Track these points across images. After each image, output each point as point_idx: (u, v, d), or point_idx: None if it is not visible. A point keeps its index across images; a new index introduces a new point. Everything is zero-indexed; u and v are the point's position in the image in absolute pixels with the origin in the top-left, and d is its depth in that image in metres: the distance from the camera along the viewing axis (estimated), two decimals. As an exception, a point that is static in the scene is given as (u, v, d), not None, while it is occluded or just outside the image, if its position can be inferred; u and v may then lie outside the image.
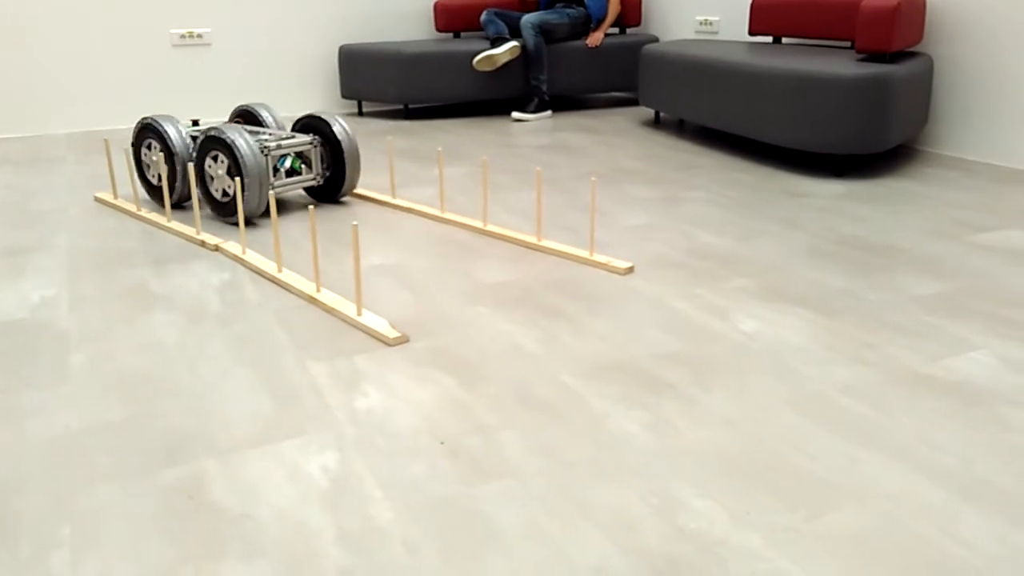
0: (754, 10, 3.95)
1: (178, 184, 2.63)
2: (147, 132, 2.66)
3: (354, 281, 1.95)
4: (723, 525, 1.11)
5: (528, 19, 4.39)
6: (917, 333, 1.72)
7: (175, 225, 2.48)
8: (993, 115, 3.22)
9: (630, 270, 2.10)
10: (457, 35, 4.86)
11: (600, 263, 2.13)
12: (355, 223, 1.68)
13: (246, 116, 2.89)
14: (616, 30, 4.84)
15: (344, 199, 2.84)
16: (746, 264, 2.15)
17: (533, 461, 1.27)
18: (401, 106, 4.82)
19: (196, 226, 2.38)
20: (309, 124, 2.74)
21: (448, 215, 2.57)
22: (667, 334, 1.73)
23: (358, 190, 2.88)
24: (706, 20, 4.55)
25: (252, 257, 2.18)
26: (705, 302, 1.90)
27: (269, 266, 2.12)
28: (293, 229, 2.49)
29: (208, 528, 1.12)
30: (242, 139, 2.40)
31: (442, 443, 1.32)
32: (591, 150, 3.62)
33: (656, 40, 4.72)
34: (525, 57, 4.43)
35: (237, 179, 2.18)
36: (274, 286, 2.02)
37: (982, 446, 1.30)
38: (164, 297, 1.96)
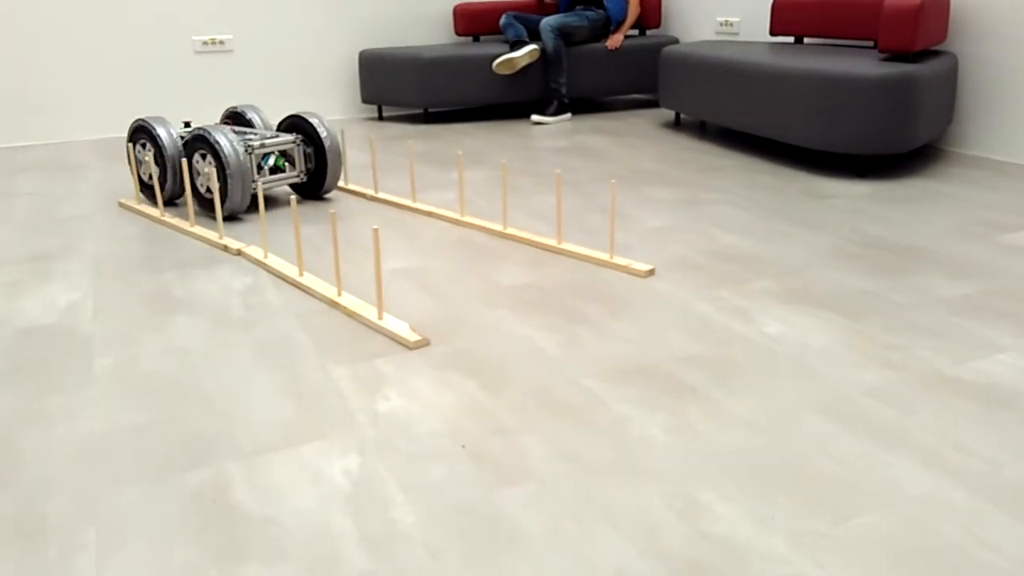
0: (775, 10, 3.92)
1: (168, 182, 2.74)
2: (140, 133, 2.78)
3: (375, 285, 1.95)
4: (747, 529, 1.10)
5: (547, 22, 4.39)
6: (944, 335, 1.70)
7: (198, 230, 2.50)
8: (1020, 114, 3.17)
9: (651, 272, 2.09)
10: (476, 39, 4.87)
11: (621, 266, 2.13)
12: (376, 227, 1.69)
13: (235, 117, 3.02)
14: (636, 32, 4.83)
15: (330, 197, 2.85)
16: (769, 266, 2.13)
17: (555, 465, 1.26)
18: (421, 110, 4.83)
19: (219, 231, 2.40)
20: (293, 124, 2.85)
21: (468, 218, 2.57)
22: (689, 337, 1.72)
23: (381, 194, 2.89)
24: (727, 21, 4.53)
25: (274, 261, 2.20)
26: (728, 304, 1.88)
27: (291, 270, 2.13)
28: (314, 233, 2.51)
29: (231, 531, 1.13)
30: (225, 139, 2.53)
31: (464, 447, 1.32)
32: (611, 152, 3.62)
33: (676, 42, 4.70)
34: (545, 60, 4.43)
35: (212, 171, 2.30)
36: (296, 290, 2.04)
37: (1010, 449, 1.27)
38: (187, 301, 1.98)
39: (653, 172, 3.22)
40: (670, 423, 1.38)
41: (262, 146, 2.67)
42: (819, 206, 2.68)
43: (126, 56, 4.29)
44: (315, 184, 2.86)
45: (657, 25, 4.82)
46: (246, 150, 2.61)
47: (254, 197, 2.71)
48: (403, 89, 4.43)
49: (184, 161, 2.43)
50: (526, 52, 4.31)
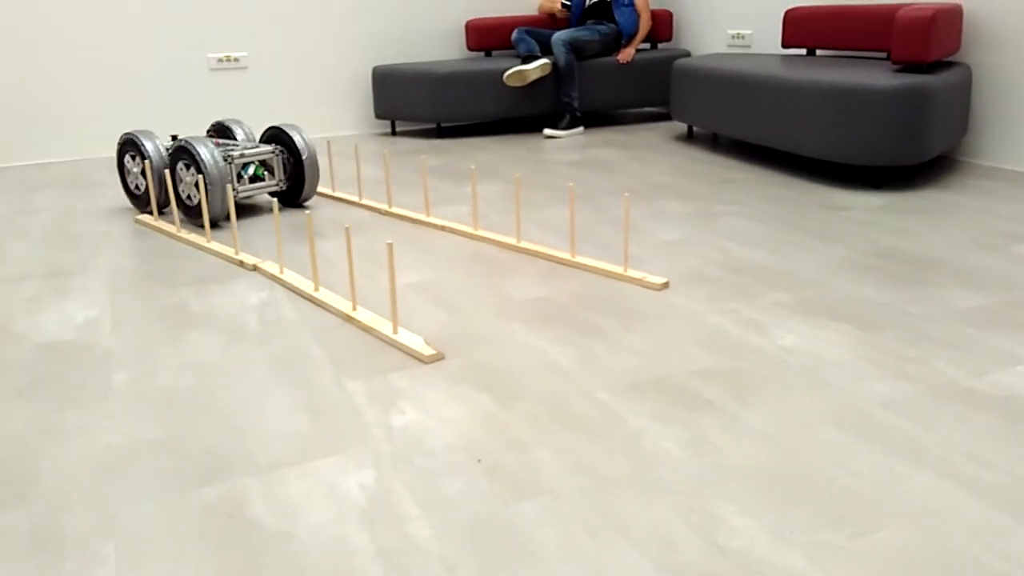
0: (787, 23, 3.93)
1: (155, 191, 2.87)
2: (128, 146, 2.95)
3: (390, 299, 1.96)
4: (764, 543, 1.10)
5: (559, 36, 4.41)
6: (960, 347, 1.68)
7: (214, 246, 2.52)
8: (1035, 124, 3.16)
9: (665, 285, 2.09)
10: (488, 54, 4.90)
11: (635, 279, 2.13)
12: (390, 242, 1.70)
13: (220, 130, 3.19)
14: (647, 45, 4.84)
15: (310, 204, 2.86)
16: (783, 278, 2.13)
17: (570, 478, 1.26)
18: (434, 125, 4.85)
19: (235, 246, 2.41)
20: (274, 135, 3.02)
21: (482, 232, 2.58)
22: (704, 350, 1.71)
23: (395, 208, 2.91)
24: (738, 34, 4.54)
25: (289, 276, 2.21)
26: (742, 317, 1.88)
27: (306, 285, 2.14)
28: (329, 248, 2.52)
29: (248, 546, 1.13)
30: (205, 149, 2.69)
31: (479, 461, 1.32)
32: (624, 166, 3.62)
33: (688, 55, 4.71)
34: (556, 74, 4.44)
35: (192, 179, 2.44)
36: (311, 305, 2.05)
37: (1031, 462, 1.26)
38: (204, 317, 1.99)
39: (666, 185, 3.22)
40: (685, 436, 1.37)
41: (241, 156, 2.84)
42: (833, 218, 2.67)
43: (143, 74, 4.34)
44: (294, 192, 3.03)
45: (668, 38, 4.83)
46: (225, 160, 2.78)
47: (237, 203, 2.82)
48: (416, 104, 4.46)
49: (167, 172, 2.59)
50: (537, 66, 4.33)
